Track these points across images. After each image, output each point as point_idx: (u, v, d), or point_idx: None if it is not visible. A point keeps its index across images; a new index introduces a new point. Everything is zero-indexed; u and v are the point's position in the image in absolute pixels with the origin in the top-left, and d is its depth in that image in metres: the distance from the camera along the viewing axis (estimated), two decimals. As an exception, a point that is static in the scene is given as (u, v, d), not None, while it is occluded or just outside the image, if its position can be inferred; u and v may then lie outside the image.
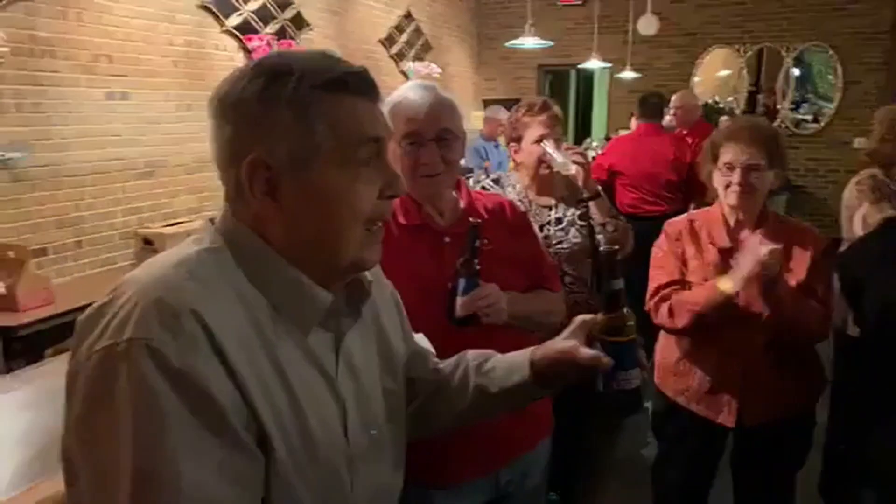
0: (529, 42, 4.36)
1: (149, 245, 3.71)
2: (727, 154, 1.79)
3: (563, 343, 0.94)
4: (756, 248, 1.69)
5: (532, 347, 1.00)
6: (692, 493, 2.02)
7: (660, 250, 1.93)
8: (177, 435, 0.64)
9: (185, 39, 4.14)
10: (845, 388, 2.25)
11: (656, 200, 4.04)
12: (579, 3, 8.03)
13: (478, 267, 1.28)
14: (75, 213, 3.50)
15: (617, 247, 1.06)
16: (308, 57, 0.78)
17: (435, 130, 1.35)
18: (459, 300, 1.28)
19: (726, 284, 1.71)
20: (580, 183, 2.08)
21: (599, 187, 2.16)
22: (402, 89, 1.41)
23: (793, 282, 1.77)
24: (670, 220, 1.98)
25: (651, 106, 4.24)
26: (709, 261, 1.84)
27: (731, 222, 1.85)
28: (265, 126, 0.75)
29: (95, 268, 3.62)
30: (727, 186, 1.79)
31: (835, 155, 7.36)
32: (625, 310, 0.94)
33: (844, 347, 2.43)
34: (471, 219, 1.32)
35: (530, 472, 1.51)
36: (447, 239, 1.40)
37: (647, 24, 6.76)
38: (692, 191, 3.97)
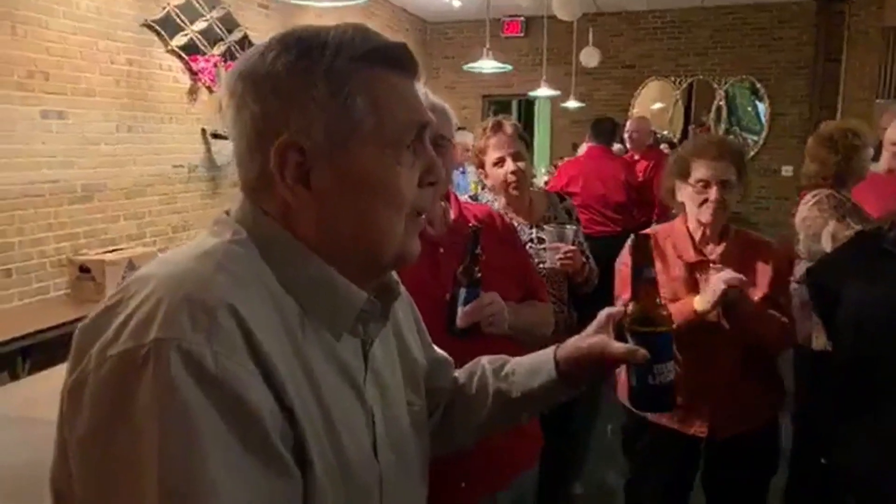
0: (488, 65, 4.42)
1: (85, 273, 3.49)
2: (700, 170, 1.79)
3: (590, 338, 0.87)
4: (725, 275, 1.70)
5: (552, 346, 0.93)
6: None
7: (626, 266, 1.91)
8: (213, 453, 0.53)
9: (128, 58, 3.96)
10: (816, 404, 2.27)
11: (605, 221, 4.12)
12: (521, 35, 8.22)
13: (479, 274, 1.22)
14: (3, 240, 3.23)
15: (649, 232, 1.01)
16: (340, 29, 0.70)
17: (429, 137, 1.28)
18: (461, 310, 1.21)
19: (701, 304, 1.72)
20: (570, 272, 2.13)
21: (589, 263, 2.19)
22: None
23: (758, 294, 1.79)
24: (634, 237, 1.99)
25: (603, 129, 4.35)
26: (675, 275, 1.83)
27: (697, 237, 1.86)
28: (298, 103, 0.66)
29: (26, 298, 3.35)
30: (702, 203, 1.79)
31: (764, 183, 7.71)
32: (658, 298, 0.88)
33: (810, 363, 2.46)
34: (472, 224, 1.25)
35: (524, 493, 1.45)
36: (442, 249, 1.33)
37: (589, 57, 6.97)
38: (644, 210, 4.15)
